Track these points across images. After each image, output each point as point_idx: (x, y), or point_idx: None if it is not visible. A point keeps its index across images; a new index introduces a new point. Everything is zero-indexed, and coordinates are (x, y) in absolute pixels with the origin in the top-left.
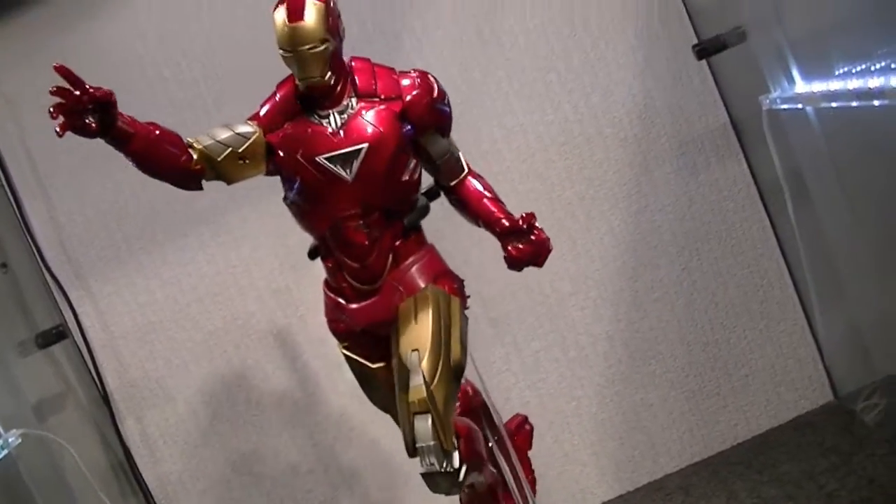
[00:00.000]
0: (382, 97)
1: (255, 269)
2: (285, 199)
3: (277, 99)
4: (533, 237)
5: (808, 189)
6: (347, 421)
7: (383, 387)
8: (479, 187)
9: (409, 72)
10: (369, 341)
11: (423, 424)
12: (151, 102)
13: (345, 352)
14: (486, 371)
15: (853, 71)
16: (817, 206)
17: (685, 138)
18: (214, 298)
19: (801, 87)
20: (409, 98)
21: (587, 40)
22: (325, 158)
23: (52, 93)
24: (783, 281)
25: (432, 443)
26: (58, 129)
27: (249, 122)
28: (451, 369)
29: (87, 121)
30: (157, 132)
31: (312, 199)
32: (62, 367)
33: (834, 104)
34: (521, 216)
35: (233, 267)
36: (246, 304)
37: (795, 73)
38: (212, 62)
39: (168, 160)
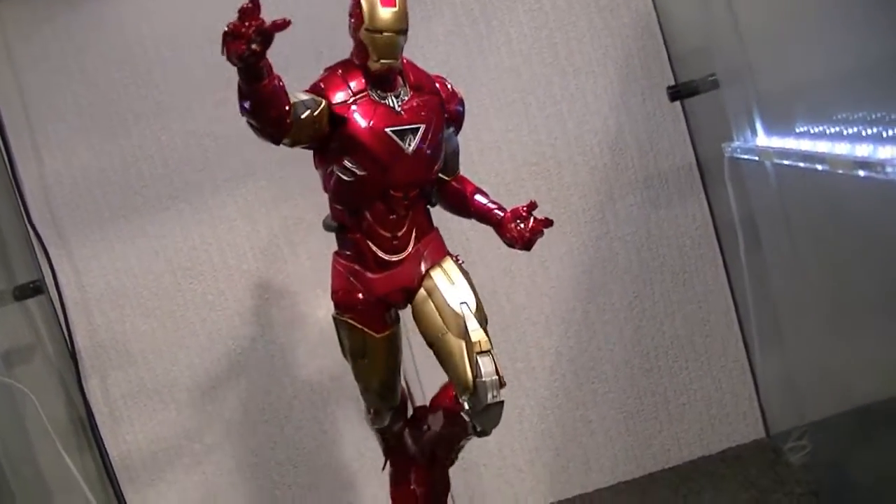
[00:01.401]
0: (427, 90)
1: (228, 249)
2: (340, 170)
3: (341, 76)
4: (532, 220)
5: (761, 236)
6: (300, 401)
7: (380, 356)
8: (472, 183)
9: (431, 74)
10: (378, 312)
11: (488, 361)
12: (149, 80)
13: (350, 321)
14: (437, 370)
15: (810, 131)
16: (767, 254)
17: (651, 173)
18: (186, 272)
19: (762, 139)
20: (444, 95)
21: (570, 70)
22: (392, 131)
23: (241, 11)
24: (729, 319)
25: (496, 377)
26: (235, 54)
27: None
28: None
29: (252, 47)
30: (279, 82)
31: (373, 169)
32: (35, 321)
33: (786, 162)
34: (526, 205)
35: (207, 245)
36: (217, 281)
37: (759, 126)
38: (212, 48)
39: (278, 108)
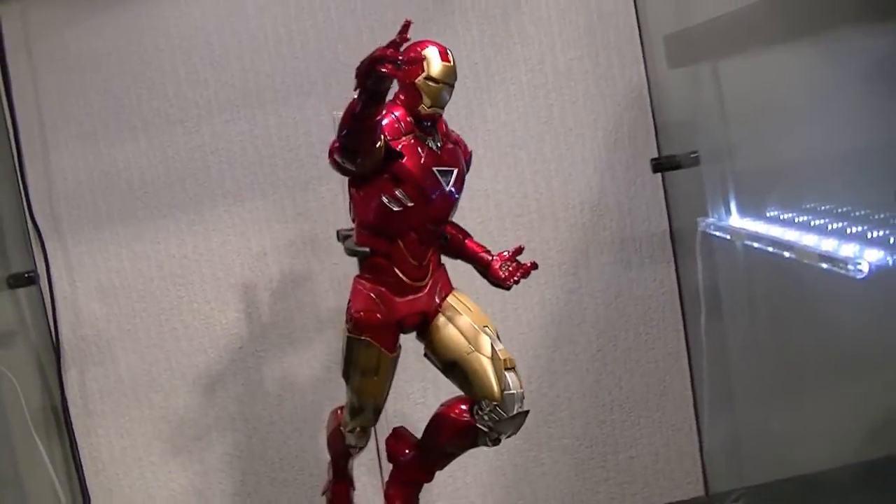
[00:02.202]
0: (452, 140)
1: (218, 261)
2: (389, 199)
3: (394, 115)
4: (517, 262)
5: (723, 308)
6: (270, 413)
7: (388, 375)
8: (463, 229)
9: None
10: (393, 333)
11: (514, 376)
12: (162, 92)
13: (369, 339)
14: (404, 401)
15: (780, 217)
16: (727, 325)
17: (627, 236)
18: (176, 280)
19: (735, 219)
20: (462, 148)
21: (562, 130)
22: (437, 170)
23: (394, 44)
24: (683, 382)
25: (521, 390)
26: (384, 70)
27: None
28: None
29: (397, 71)
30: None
31: (419, 201)
32: (23, 310)
33: (755, 244)
34: (513, 249)
35: (199, 255)
36: (204, 291)
37: (733, 206)
38: (224, 69)
39: (377, 133)
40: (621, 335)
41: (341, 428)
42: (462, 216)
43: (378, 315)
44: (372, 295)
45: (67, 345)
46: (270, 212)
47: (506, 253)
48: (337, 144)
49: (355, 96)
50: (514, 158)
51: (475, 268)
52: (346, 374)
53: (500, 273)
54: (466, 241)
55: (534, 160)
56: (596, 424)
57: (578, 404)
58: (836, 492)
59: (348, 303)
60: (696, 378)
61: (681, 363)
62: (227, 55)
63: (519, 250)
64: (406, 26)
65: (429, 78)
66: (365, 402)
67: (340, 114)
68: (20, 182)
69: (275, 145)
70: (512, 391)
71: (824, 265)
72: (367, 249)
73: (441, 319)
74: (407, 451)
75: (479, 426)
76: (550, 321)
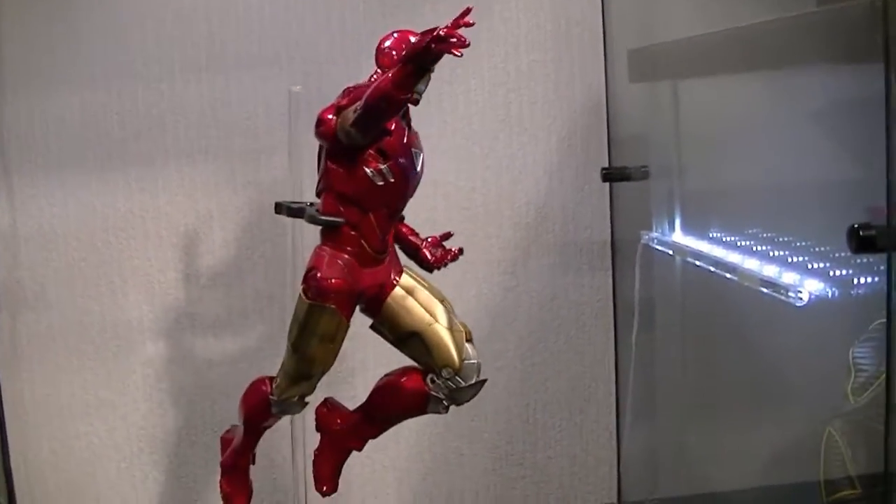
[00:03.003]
0: (411, 127)
1: (164, 221)
2: (373, 173)
3: None
4: (443, 248)
5: (655, 321)
6: (202, 376)
7: (340, 341)
8: None
9: None
10: (353, 302)
11: (472, 347)
12: (127, 45)
13: (333, 307)
14: (333, 379)
15: (723, 239)
16: (656, 338)
17: (569, 240)
18: (119, 234)
19: (677, 235)
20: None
21: (517, 130)
22: (413, 150)
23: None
24: (608, 389)
25: (479, 361)
26: (452, 51)
27: None
28: None
29: (455, 52)
30: None
31: (399, 178)
32: None
33: (697, 262)
34: (441, 234)
35: (145, 212)
36: (146, 248)
37: (677, 222)
38: (192, 28)
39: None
40: (552, 337)
41: (272, 398)
42: (410, 202)
43: (346, 282)
44: (340, 262)
45: (1, 286)
46: (220, 177)
47: (436, 237)
48: (357, 116)
49: (389, 74)
50: (468, 152)
51: (404, 249)
52: (298, 342)
53: (429, 256)
54: (399, 223)
55: (486, 156)
56: (519, 422)
57: (503, 401)
58: None
59: (308, 270)
60: (621, 386)
61: (608, 371)
62: (196, 15)
63: (447, 236)
64: (466, 11)
65: None
66: (315, 370)
67: (297, 89)
68: None
69: (233, 112)
70: (472, 360)
71: (765, 290)
72: (342, 220)
73: (399, 292)
74: (339, 420)
75: (435, 394)
76: (484, 315)
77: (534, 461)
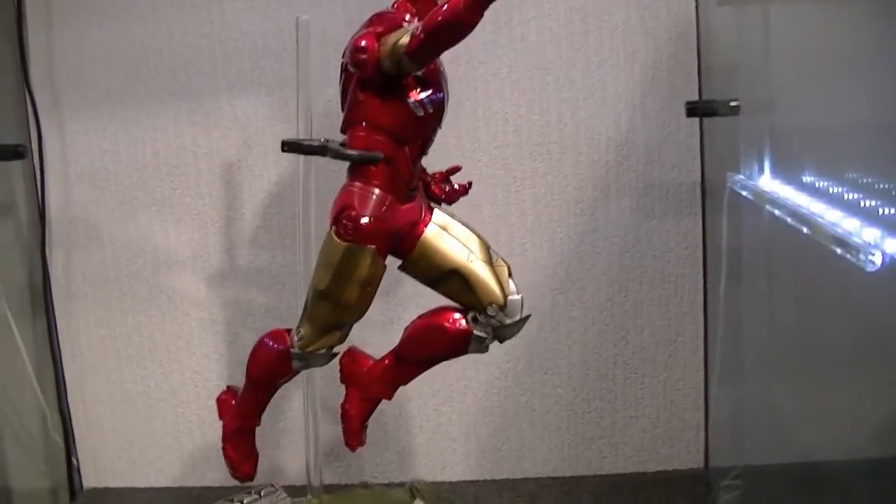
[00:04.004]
0: None
1: (216, 156)
2: (415, 104)
3: None
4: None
5: (743, 274)
6: (261, 319)
7: (377, 285)
8: None
9: None
10: (390, 242)
11: (513, 283)
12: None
13: (371, 247)
14: (399, 327)
15: (816, 185)
16: (746, 293)
17: (652, 181)
18: (171, 170)
19: (765, 179)
20: None
21: (595, 60)
22: (444, 79)
23: None
24: (696, 345)
25: (522, 295)
26: None
27: None
28: None
29: None
30: None
31: (437, 110)
32: (11, 183)
33: (776, 212)
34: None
35: (198, 147)
36: (199, 185)
37: (767, 165)
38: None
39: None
40: (634, 287)
41: (294, 351)
42: (477, 136)
43: (385, 221)
44: (376, 200)
45: (55, 224)
46: (275, 110)
47: (442, 172)
48: (420, 43)
49: None
50: (542, 83)
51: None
52: (332, 289)
53: (438, 192)
54: None
55: (562, 87)
56: (596, 377)
57: (579, 354)
58: (840, 485)
59: (342, 209)
60: (710, 343)
61: (695, 325)
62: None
63: (454, 169)
64: None
65: None
66: (350, 317)
67: (306, 17)
68: (19, 49)
69: (286, 41)
70: (516, 296)
71: (838, 250)
72: (380, 154)
73: (433, 229)
74: (367, 369)
75: (478, 333)
76: (559, 261)
77: (612, 421)
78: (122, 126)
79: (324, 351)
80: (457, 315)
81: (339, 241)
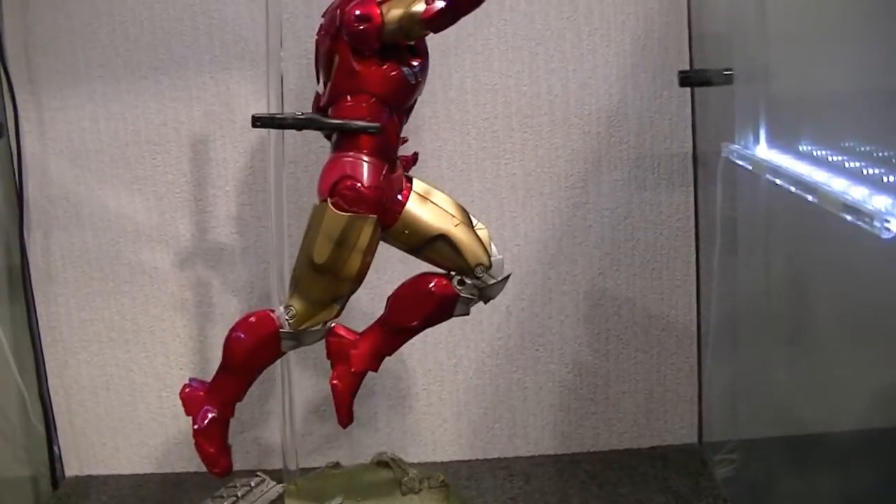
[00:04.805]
0: None
1: (198, 131)
2: (409, 71)
3: None
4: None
5: (738, 247)
6: (245, 298)
7: (373, 254)
8: None
9: None
10: (385, 210)
11: (492, 244)
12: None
13: (373, 216)
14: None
15: (814, 154)
16: (740, 265)
17: (644, 153)
18: (152, 147)
19: (761, 149)
20: None
21: (585, 28)
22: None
23: None
24: (689, 318)
25: (501, 256)
26: None
27: None
28: None
29: None
30: None
31: (423, 78)
32: None
33: (777, 181)
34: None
35: (179, 123)
36: (180, 161)
37: (762, 134)
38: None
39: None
40: (626, 260)
41: (285, 331)
42: (466, 109)
43: (384, 189)
44: (372, 168)
45: (33, 204)
46: (259, 85)
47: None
48: (441, 9)
49: None
50: (530, 54)
51: None
52: (333, 261)
53: None
54: None
55: (551, 58)
56: (589, 352)
57: (571, 329)
58: (837, 457)
59: (339, 179)
60: (703, 316)
61: (688, 298)
62: None
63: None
64: None
65: None
66: (351, 288)
67: None
68: None
69: (272, 13)
70: (498, 256)
71: (848, 217)
72: (378, 124)
73: (416, 196)
74: (353, 344)
75: (465, 295)
76: (550, 236)
77: (605, 396)
78: (101, 102)
79: (319, 327)
80: (440, 279)
81: (337, 212)
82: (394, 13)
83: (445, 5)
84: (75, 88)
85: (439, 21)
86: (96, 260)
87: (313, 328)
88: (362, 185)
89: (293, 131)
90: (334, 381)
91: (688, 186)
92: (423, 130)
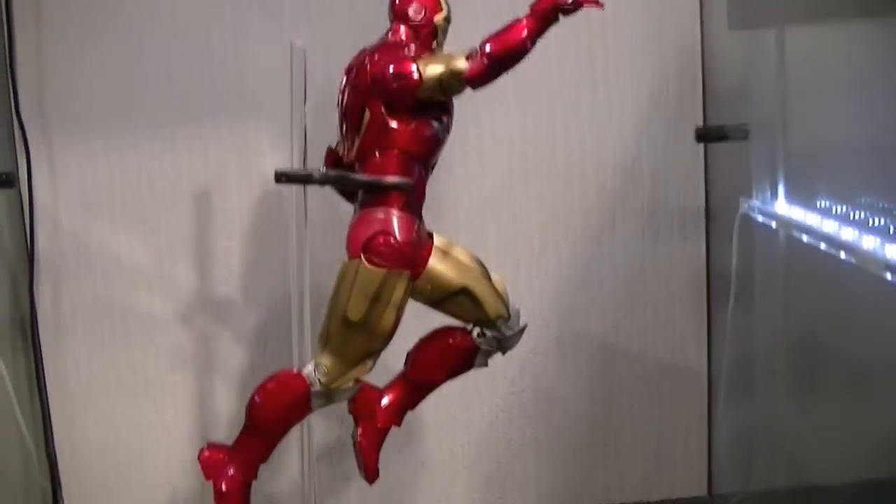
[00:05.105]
0: None
1: (214, 184)
2: (439, 127)
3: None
4: None
5: (754, 300)
6: (258, 355)
7: (403, 309)
8: None
9: None
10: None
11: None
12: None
13: (407, 272)
14: (400, 359)
15: (833, 210)
16: (755, 318)
17: (658, 207)
18: (166, 199)
19: (780, 205)
20: None
21: (602, 83)
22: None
23: None
24: (700, 371)
25: (518, 307)
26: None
27: None
28: None
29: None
30: None
31: (447, 132)
32: None
33: (803, 237)
34: None
35: (195, 175)
36: (197, 214)
37: (781, 190)
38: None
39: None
40: (639, 313)
41: (316, 389)
42: (482, 161)
43: (419, 247)
44: (405, 224)
45: (43, 255)
46: (274, 135)
47: None
48: (486, 68)
49: (524, 23)
50: (548, 108)
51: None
52: (369, 316)
53: None
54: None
55: (568, 112)
56: (601, 406)
57: (584, 382)
58: None
59: (374, 235)
60: (714, 369)
61: (699, 351)
62: None
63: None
64: None
65: (447, 19)
66: (383, 344)
67: (300, 42)
68: (9, 73)
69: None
70: (516, 307)
71: (889, 276)
72: (410, 181)
73: (437, 252)
74: (377, 401)
75: (484, 347)
76: (565, 288)
77: (617, 450)
78: (115, 153)
79: (351, 384)
80: (460, 333)
81: (372, 268)
82: (433, 70)
83: (490, 63)
84: (89, 139)
85: (483, 79)
86: (106, 311)
87: (345, 385)
88: (396, 240)
89: (315, 186)
90: (360, 440)
91: (700, 240)
92: (439, 183)
